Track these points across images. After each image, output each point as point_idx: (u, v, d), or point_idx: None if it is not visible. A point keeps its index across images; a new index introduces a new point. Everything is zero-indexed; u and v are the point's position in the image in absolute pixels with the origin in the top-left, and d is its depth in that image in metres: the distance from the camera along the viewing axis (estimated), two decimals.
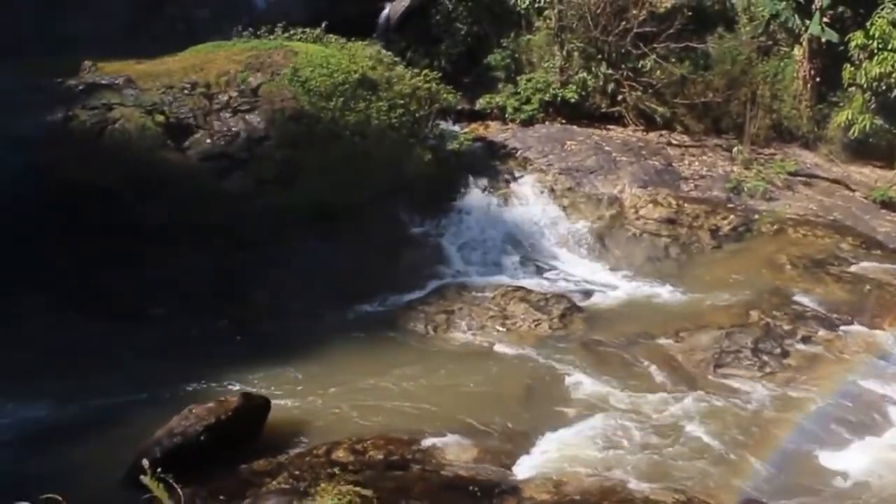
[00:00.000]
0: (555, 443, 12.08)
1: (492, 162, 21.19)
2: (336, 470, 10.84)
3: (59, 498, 4.01)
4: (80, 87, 18.01)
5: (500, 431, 12.45)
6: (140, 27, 24.85)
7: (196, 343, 15.29)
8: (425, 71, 21.54)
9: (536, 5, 24.18)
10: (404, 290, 17.63)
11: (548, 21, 23.85)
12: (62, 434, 12.28)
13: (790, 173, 22.04)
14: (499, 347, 15.40)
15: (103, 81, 18.22)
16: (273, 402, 12.45)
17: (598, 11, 23.05)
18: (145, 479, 4.91)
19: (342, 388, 13.72)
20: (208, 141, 17.50)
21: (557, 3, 23.47)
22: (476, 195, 20.10)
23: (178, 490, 4.87)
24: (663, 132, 23.38)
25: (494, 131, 22.66)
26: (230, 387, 13.62)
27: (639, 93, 23.21)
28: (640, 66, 23.33)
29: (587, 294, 17.61)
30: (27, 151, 16.50)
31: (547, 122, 23.07)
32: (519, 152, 21.64)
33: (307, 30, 21.38)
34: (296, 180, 17.81)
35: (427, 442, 11.92)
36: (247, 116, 18.04)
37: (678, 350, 14.90)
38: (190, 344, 15.25)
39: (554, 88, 23.26)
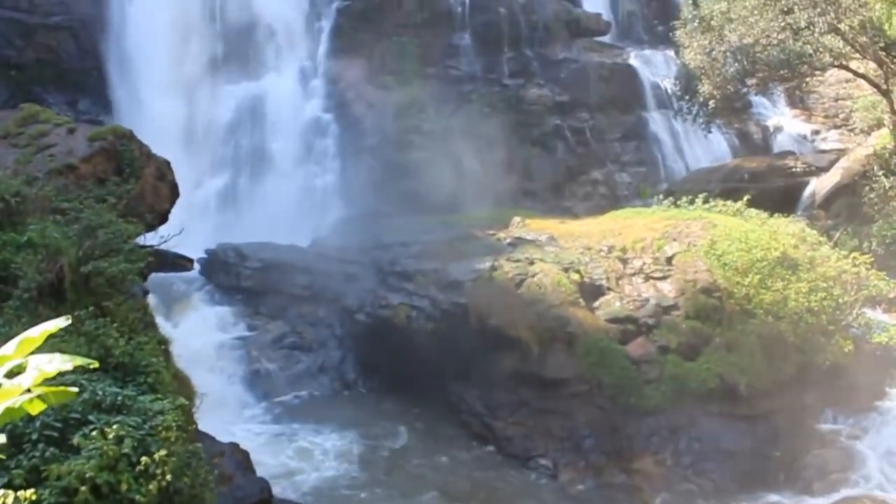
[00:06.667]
0: None
1: None
2: None
3: None
4: (508, 241, 19.74)
5: None
6: (565, 188, 26.89)
7: (581, 502, 15.27)
8: (853, 253, 19.97)
9: None
10: (805, 490, 15.89)
11: None
12: None
13: None
14: None
15: (529, 237, 19.78)
16: None
17: None
18: None
19: None
20: (618, 304, 17.86)
21: None
22: None
23: None
24: None
25: None
26: None
27: None
28: None
29: None
30: (456, 293, 18.33)
31: None
32: None
33: (727, 202, 21.22)
34: (700, 354, 17.32)
35: None
36: (658, 284, 18.15)
37: None
38: (576, 501, 15.27)
39: None
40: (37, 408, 2.36)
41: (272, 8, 27.25)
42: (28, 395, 2.33)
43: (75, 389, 2.39)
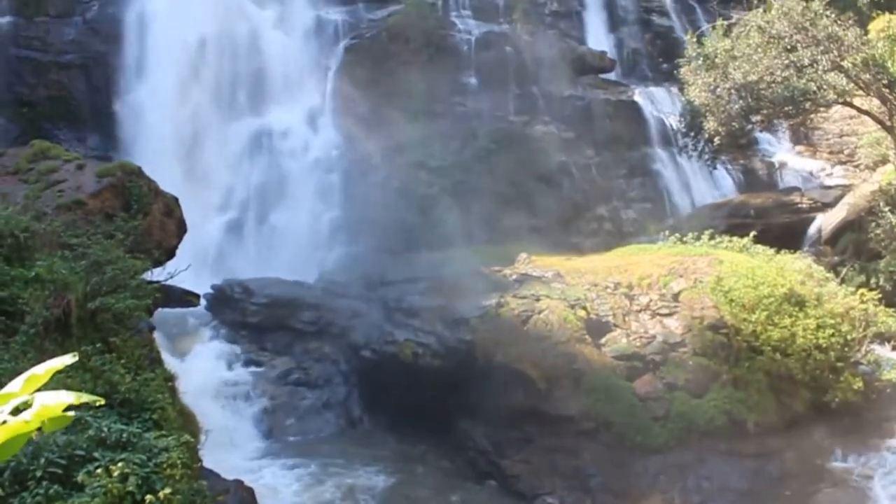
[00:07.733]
0: None
1: None
2: None
3: None
4: (514, 277, 19.70)
5: None
6: (571, 224, 26.90)
7: None
8: (861, 289, 19.89)
9: None
10: None
11: None
12: None
13: None
14: None
15: (535, 273, 19.73)
16: None
17: None
18: None
19: None
20: (624, 340, 17.79)
21: None
22: None
23: None
24: None
25: None
26: None
27: None
28: None
29: None
30: (461, 330, 18.29)
31: None
32: None
33: (734, 238, 21.20)
34: (707, 391, 17.20)
35: None
36: (665, 320, 18.08)
37: None
38: None
39: None
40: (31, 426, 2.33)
41: (281, 46, 27.61)
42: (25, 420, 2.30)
43: (71, 414, 2.37)
